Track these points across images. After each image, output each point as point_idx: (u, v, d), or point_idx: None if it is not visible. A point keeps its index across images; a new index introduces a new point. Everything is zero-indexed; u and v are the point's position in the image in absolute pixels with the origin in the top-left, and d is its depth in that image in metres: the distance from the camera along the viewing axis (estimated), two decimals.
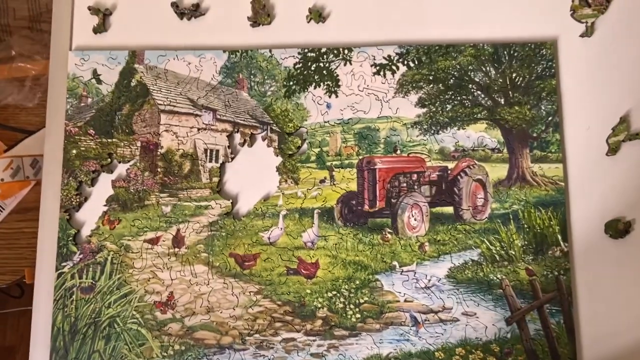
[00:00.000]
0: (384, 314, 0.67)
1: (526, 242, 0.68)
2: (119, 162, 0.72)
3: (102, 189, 0.71)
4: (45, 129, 0.72)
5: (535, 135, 0.70)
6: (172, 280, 0.69)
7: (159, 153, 0.71)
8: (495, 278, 0.67)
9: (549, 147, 0.70)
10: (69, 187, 0.71)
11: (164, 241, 0.70)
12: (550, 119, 0.70)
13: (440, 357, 0.65)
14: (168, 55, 0.74)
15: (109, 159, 0.72)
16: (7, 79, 0.93)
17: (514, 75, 0.72)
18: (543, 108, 0.71)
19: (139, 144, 0.72)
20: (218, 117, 0.72)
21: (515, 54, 0.72)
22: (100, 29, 0.75)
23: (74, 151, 0.72)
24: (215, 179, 0.72)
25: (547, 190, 0.69)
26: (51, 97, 0.73)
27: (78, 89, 0.73)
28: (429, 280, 0.68)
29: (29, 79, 0.93)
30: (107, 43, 0.75)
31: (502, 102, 0.71)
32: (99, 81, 0.74)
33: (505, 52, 0.72)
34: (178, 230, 0.70)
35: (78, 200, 0.71)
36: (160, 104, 0.72)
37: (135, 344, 0.67)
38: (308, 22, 0.74)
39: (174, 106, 0.72)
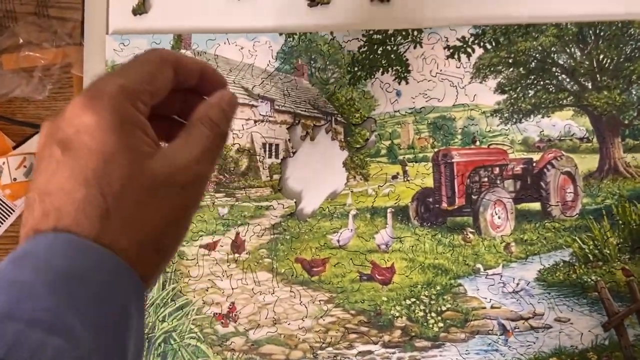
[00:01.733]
0: (469, 322, 0.60)
1: (622, 240, 0.61)
2: None
3: None
4: None
5: (627, 122, 0.63)
6: (232, 289, 0.61)
7: None
8: (589, 280, 0.60)
9: None
10: None
11: (222, 246, 0.62)
12: None
13: None
14: (218, 39, 0.65)
15: None
16: (14, 70, 0.84)
17: (601, 56, 0.64)
18: (634, 92, 0.63)
19: None
20: (276, 107, 0.64)
21: (602, 34, 0.65)
22: (140, 9, 0.66)
23: None
24: (276, 177, 0.64)
25: None
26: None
27: None
28: (517, 284, 0.61)
29: (38, 69, 0.83)
30: (149, 26, 0.66)
31: (590, 87, 0.64)
32: None
33: (590, 32, 0.65)
34: (237, 233, 0.62)
35: None
36: None
37: None
38: (372, 1, 0.66)
39: None
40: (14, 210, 0.74)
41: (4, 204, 0.71)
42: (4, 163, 0.69)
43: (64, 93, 0.73)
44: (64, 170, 0.32)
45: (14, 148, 0.74)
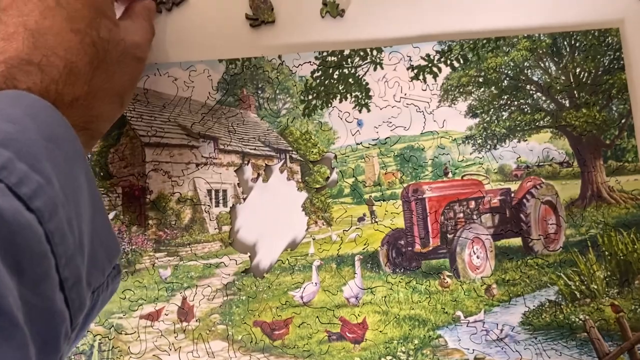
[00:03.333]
0: None
1: (609, 273, 0.55)
2: None
3: None
4: None
5: (608, 142, 0.57)
6: None
7: (148, 200, 0.53)
8: (577, 319, 0.55)
9: (625, 156, 0.57)
10: None
11: (166, 314, 0.52)
12: (623, 121, 0.57)
13: None
14: (146, 70, 0.55)
15: None
16: None
17: (577, 70, 0.58)
18: (614, 109, 0.57)
19: (119, 190, 0.53)
20: (221, 147, 0.55)
21: (577, 45, 0.58)
22: None
23: None
24: (226, 228, 0.55)
25: (627, 208, 0.56)
26: None
27: None
28: (501, 330, 0.55)
29: None
30: None
31: (567, 105, 0.58)
32: None
33: (565, 43, 0.58)
34: (184, 298, 0.53)
35: None
36: (143, 136, 0.54)
37: None
38: (323, 16, 0.57)
39: (162, 137, 0.54)
40: None
41: None
42: None
43: None
44: (58, 16, 0.35)
45: None
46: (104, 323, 0.52)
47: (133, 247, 0.53)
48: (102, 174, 0.53)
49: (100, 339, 0.51)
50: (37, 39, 0.34)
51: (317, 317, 0.53)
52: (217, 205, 0.54)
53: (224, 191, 0.54)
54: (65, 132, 0.33)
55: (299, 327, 0.53)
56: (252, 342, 0.52)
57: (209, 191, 0.54)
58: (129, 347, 0.52)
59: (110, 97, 0.40)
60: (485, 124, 0.57)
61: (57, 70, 0.34)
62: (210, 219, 0.54)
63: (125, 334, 0.52)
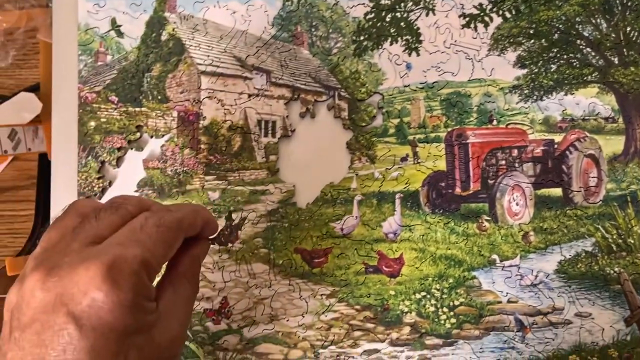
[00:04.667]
0: (484, 317, 0.54)
1: None
2: (151, 137, 0.55)
3: (131, 171, 0.55)
4: (52, 96, 0.55)
5: None
6: (225, 282, 0.54)
7: (201, 125, 0.55)
8: (612, 272, 0.55)
9: None
10: (88, 169, 0.55)
11: None
12: None
13: None
14: (207, 1, 0.57)
15: (138, 133, 0.55)
16: None
17: (628, 29, 0.58)
18: None
19: (175, 114, 0.55)
20: (273, 80, 0.57)
21: (629, 4, 0.58)
22: None
23: (92, 123, 0.55)
24: (273, 158, 0.56)
25: None
26: (57, 54, 0.55)
27: (93, 43, 0.56)
28: (536, 277, 0.55)
29: None
30: None
31: (616, 62, 0.58)
32: (120, 34, 0.56)
33: (617, 1, 0.58)
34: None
35: (101, 185, 0.55)
36: (200, 64, 0.56)
37: None
38: None
39: (218, 66, 0.56)
40: None
41: None
42: None
43: (29, 60, 0.64)
44: (80, 350, 0.30)
45: None
46: None
47: (185, 168, 0.54)
48: (159, 97, 0.55)
49: None
50: None
51: (356, 249, 0.54)
52: (265, 136, 0.56)
53: (273, 122, 0.56)
54: None
55: (337, 257, 0.54)
56: (292, 267, 0.54)
57: (259, 121, 0.56)
58: None
59: None
60: (533, 75, 0.57)
61: None
62: (258, 148, 0.55)
63: None
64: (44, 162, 0.62)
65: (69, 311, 0.30)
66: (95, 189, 0.54)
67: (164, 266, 0.38)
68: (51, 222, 0.36)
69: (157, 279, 0.37)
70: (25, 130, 0.66)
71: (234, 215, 0.54)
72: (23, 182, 0.65)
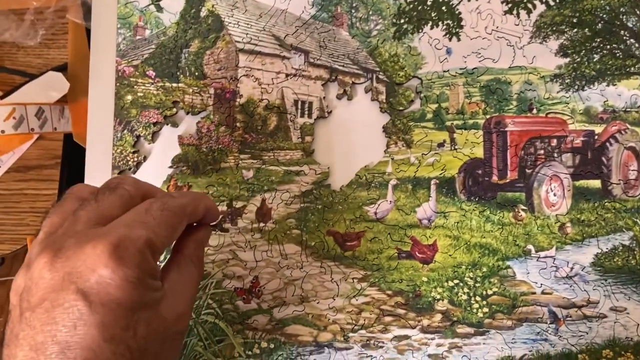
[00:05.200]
0: (517, 308, 0.53)
1: None
2: (187, 113, 0.55)
3: (166, 146, 0.54)
4: (90, 68, 0.55)
5: None
6: (256, 262, 0.54)
7: (237, 103, 0.55)
8: None
9: None
10: (123, 143, 0.54)
11: (246, 214, 0.54)
12: None
13: None
14: None
15: (174, 109, 0.55)
16: (2, 12, 0.73)
17: None
18: None
19: (211, 91, 0.55)
20: (311, 60, 0.56)
21: None
22: None
23: (129, 97, 0.55)
24: (309, 139, 0.56)
25: None
26: (96, 27, 0.55)
27: (132, 17, 0.55)
28: (572, 269, 0.54)
29: (29, 12, 0.73)
30: None
31: None
32: (159, 8, 0.56)
33: None
34: (263, 200, 0.54)
35: (136, 159, 0.54)
36: (239, 42, 0.55)
37: (212, 340, 0.52)
38: None
39: (256, 45, 0.55)
40: None
41: None
42: None
43: (57, 40, 0.63)
44: (90, 325, 0.31)
45: (1, 98, 0.65)
46: None
47: (220, 146, 0.54)
48: (196, 73, 0.55)
49: None
50: (67, 355, 0.30)
51: (389, 233, 0.54)
52: (302, 116, 0.55)
53: (310, 103, 0.55)
54: None
55: (370, 241, 0.54)
56: (324, 249, 0.53)
57: (296, 101, 0.55)
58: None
59: None
60: (575, 64, 0.56)
61: None
62: (294, 128, 0.55)
63: None
64: (69, 143, 0.62)
65: (78, 288, 0.31)
66: (129, 162, 0.53)
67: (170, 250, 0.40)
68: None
69: (163, 264, 0.38)
70: (52, 110, 0.65)
71: (267, 195, 0.54)
72: (47, 161, 0.65)
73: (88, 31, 0.58)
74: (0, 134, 0.64)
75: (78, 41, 0.59)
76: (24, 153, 0.67)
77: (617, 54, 0.56)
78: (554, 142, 0.56)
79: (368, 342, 0.52)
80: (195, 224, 0.41)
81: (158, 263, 0.35)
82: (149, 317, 0.33)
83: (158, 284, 0.35)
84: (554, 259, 0.53)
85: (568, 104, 0.55)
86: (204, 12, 0.55)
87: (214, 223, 0.42)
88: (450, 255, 0.53)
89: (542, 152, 0.56)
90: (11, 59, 0.65)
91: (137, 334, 0.32)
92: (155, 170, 0.54)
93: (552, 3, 0.56)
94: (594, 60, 0.56)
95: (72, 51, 0.59)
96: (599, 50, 0.56)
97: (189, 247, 0.40)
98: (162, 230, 0.35)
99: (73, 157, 0.63)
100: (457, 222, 0.54)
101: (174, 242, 0.40)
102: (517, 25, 0.56)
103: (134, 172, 0.54)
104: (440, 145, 0.55)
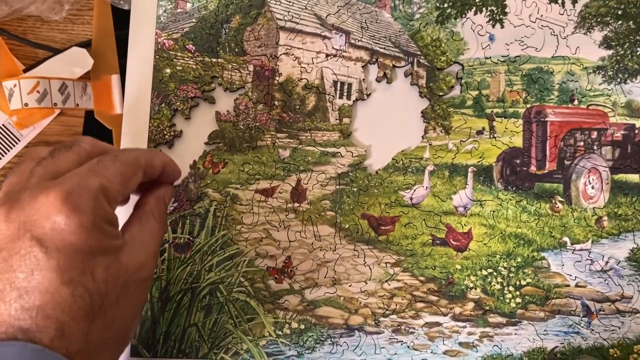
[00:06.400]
0: (551, 300, 0.52)
1: None
2: (225, 90, 0.54)
3: (204, 122, 0.54)
4: (129, 38, 0.54)
5: None
6: (290, 242, 0.53)
7: (276, 82, 0.54)
8: None
9: None
10: (160, 117, 0.53)
11: (280, 193, 0.53)
12: None
13: (615, 355, 0.52)
14: None
15: (213, 84, 0.54)
16: None
17: None
18: None
19: (251, 68, 0.54)
20: (352, 41, 0.55)
21: None
22: None
23: (168, 70, 0.54)
24: (347, 120, 0.55)
25: None
26: None
27: None
28: (607, 263, 0.53)
29: None
30: None
31: None
32: None
33: None
34: (299, 180, 0.54)
35: (172, 133, 0.53)
36: (280, 19, 0.54)
37: (242, 318, 0.52)
38: None
39: (297, 23, 0.54)
40: (19, 141, 0.64)
41: (9, 133, 0.61)
42: (15, 85, 0.58)
43: (82, 16, 0.62)
44: (47, 270, 0.31)
45: (24, 71, 0.64)
46: (222, 191, 0.53)
47: (257, 124, 0.53)
48: (236, 50, 0.54)
49: (216, 205, 0.52)
50: (25, 299, 0.30)
51: (424, 219, 0.53)
52: (340, 97, 0.54)
53: (349, 85, 0.54)
54: None
55: (404, 226, 0.53)
56: (358, 232, 0.53)
57: (335, 82, 0.54)
58: (242, 217, 0.52)
59: (110, 346, 0.35)
60: (618, 57, 0.55)
61: (48, 336, 0.30)
62: (332, 109, 0.54)
63: (240, 205, 0.53)
64: (90, 120, 0.61)
65: (33, 236, 0.31)
66: (166, 137, 0.53)
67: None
68: None
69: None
70: (75, 85, 0.64)
71: (303, 175, 0.53)
72: (67, 137, 0.64)
73: (113, 8, 0.57)
74: (23, 107, 0.64)
75: (103, 18, 0.58)
76: (45, 128, 0.66)
77: None
78: (594, 134, 0.55)
79: (399, 327, 0.51)
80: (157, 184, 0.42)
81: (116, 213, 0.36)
82: (107, 263, 0.33)
83: (116, 232, 0.35)
84: (590, 252, 0.53)
85: (610, 96, 0.54)
86: None
87: (177, 183, 0.44)
88: (484, 244, 0.52)
89: (581, 144, 0.55)
90: (35, 33, 0.64)
91: (96, 278, 0.33)
92: (191, 145, 0.53)
93: None
94: (638, 53, 0.55)
95: (96, 28, 0.58)
96: None
97: (149, 203, 0.41)
98: (115, 179, 0.35)
99: (93, 134, 0.62)
100: (493, 211, 0.53)
101: (137, 200, 0.41)
102: (562, 14, 0.55)
103: (170, 147, 0.53)
104: (479, 132, 0.54)
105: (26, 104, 0.61)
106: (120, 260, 0.35)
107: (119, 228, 0.37)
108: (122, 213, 0.38)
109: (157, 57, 0.53)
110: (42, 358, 0.30)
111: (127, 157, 0.37)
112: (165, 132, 0.53)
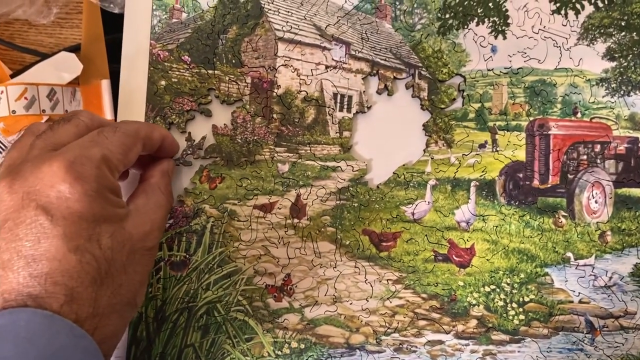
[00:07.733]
0: (554, 316, 0.51)
1: None
2: (222, 102, 0.52)
3: (200, 135, 0.52)
4: (122, 50, 0.52)
5: None
6: (289, 259, 0.51)
7: (274, 94, 0.52)
8: None
9: None
10: None
11: (279, 209, 0.52)
12: None
13: None
14: None
15: (209, 97, 0.52)
16: None
17: None
18: None
19: (248, 79, 0.52)
20: (352, 52, 0.53)
21: None
22: None
23: (163, 82, 0.52)
24: (347, 134, 0.53)
25: None
26: (131, 7, 0.52)
27: None
28: (610, 278, 0.52)
29: None
30: None
31: None
32: None
33: None
34: (298, 195, 0.52)
35: None
36: (278, 30, 0.53)
37: (240, 338, 0.50)
38: None
39: (296, 34, 0.53)
40: (5, 147, 0.61)
41: None
42: (2, 92, 0.56)
43: (71, 20, 0.60)
44: (53, 237, 0.31)
45: (11, 77, 0.61)
46: (219, 207, 0.51)
47: (255, 137, 0.51)
48: (233, 61, 0.52)
49: (213, 222, 0.51)
50: (33, 267, 0.31)
51: (426, 235, 0.52)
52: (341, 110, 0.53)
53: (350, 97, 0.53)
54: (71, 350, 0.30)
55: (406, 242, 0.52)
56: (359, 249, 0.51)
57: (335, 95, 0.53)
58: (239, 234, 0.51)
59: (119, 311, 0.35)
60: (621, 69, 0.54)
61: (57, 301, 0.31)
62: (332, 122, 0.52)
63: (238, 221, 0.51)
64: None
65: (38, 204, 0.31)
66: None
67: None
68: None
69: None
70: (64, 91, 0.62)
71: (302, 190, 0.51)
72: None
73: (103, 12, 0.55)
74: (10, 115, 0.61)
75: (92, 22, 0.56)
76: None
77: None
78: (598, 147, 0.54)
79: (401, 345, 0.50)
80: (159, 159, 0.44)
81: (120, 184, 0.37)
82: (113, 230, 0.34)
83: (120, 201, 0.36)
84: (593, 267, 0.52)
85: (613, 109, 0.53)
86: None
87: (177, 156, 0.48)
88: (487, 259, 0.51)
89: (585, 157, 0.54)
90: (22, 37, 0.62)
91: (102, 244, 0.33)
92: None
93: (600, 5, 0.54)
94: None
95: (85, 32, 0.56)
96: None
97: (154, 176, 0.42)
98: (116, 148, 0.36)
99: None
100: (496, 226, 0.52)
101: (141, 174, 0.43)
102: (565, 25, 0.53)
103: None
104: (482, 146, 0.53)
105: (14, 111, 0.59)
106: (125, 228, 0.35)
107: (124, 200, 0.38)
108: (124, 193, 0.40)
109: (151, 68, 0.51)
110: (52, 323, 0.30)
111: (127, 129, 0.38)
112: None
